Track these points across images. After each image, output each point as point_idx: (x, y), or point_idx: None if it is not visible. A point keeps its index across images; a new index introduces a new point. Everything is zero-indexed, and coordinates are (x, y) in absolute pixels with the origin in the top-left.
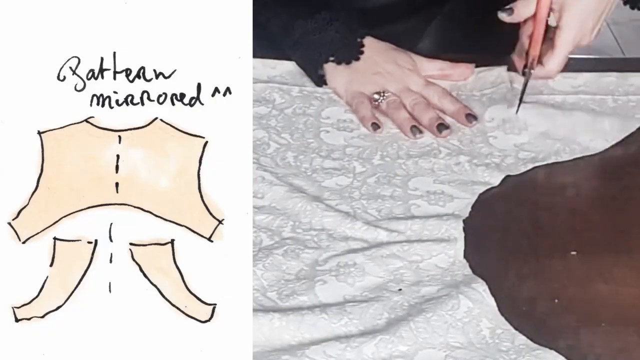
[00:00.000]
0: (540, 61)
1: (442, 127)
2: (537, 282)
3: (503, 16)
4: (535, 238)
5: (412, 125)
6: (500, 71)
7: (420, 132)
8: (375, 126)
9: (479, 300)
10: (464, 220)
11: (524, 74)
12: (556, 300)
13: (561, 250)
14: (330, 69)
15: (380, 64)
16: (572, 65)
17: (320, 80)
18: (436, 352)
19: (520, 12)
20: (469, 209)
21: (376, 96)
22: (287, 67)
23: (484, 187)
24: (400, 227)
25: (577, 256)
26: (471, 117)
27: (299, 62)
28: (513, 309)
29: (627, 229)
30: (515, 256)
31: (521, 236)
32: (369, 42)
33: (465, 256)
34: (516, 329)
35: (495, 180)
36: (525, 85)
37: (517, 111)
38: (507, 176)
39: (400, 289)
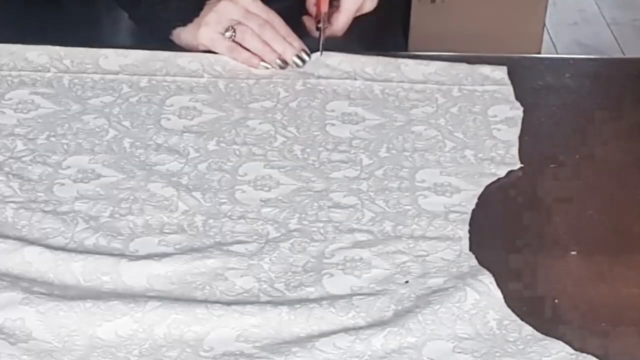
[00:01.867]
0: (328, 20)
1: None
2: (537, 281)
3: None
4: (535, 237)
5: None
6: (501, 72)
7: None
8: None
9: (486, 292)
10: (470, 222)
11: (317, 29)
12: (556, 300)
13: (561, 250)
14: (176, 35)
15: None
16: (571, 66)
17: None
18: (444, 343)
19: None
20: (475, 200)
21: (228, 33)
22: None
23: (489, 179)
24: (407, 222)
25: (577, 256)
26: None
27: (147, 33)
28: (515, 307)
29: (627, 229)
30: (515, 256)
31: (521, 236)
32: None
33: (470, 249)
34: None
35: (502, 172)
36: (321, 39)
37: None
38: (511, 171)
39: (407, 281)
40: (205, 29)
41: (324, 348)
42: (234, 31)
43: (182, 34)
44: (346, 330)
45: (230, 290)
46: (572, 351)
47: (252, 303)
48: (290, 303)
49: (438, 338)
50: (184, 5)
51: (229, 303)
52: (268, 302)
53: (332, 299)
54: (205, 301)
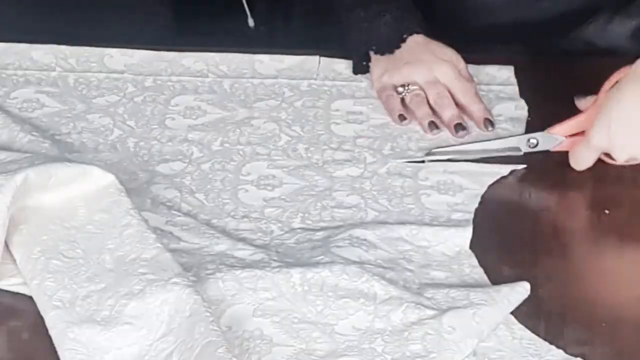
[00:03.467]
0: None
1: (459, 127)
2: (537, 281)
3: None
4: (535, 237)
5: (430, 121)
6: (508, 72)
7: (437, 127)
8: (402, 117)
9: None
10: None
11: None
12: (556, 301)
13: (562, 250)
14: (373, 59)
15: (415, 54)
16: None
17: (359, 68)
18: (464, 310)
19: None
20: (478, 200)
21: (400, 89)
22: (294, 61)
23: (492, 178)
24: (410, 219)
25: (578, 256)
26: (489, 122)
27: (346, 46)
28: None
29: (627, 229)
30: (515, 256)
31: (521, 235)
32: (416, 37)
33: (470, 247)
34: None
35: (505, 171)
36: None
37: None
38: (514, 170)
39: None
40: (388, 70)
41: (344, 332)
42: (407, 91)
43: (374, 61)
44: (362, 294)
45: (240, 262)
46: (567, 355)
47: (263, 278)
48: (303, 273)
49: (456, 307)
50: (385, 33)
51: (240, 280)
52: (279, 271)
53: (344, 264)
54: (217, 279)
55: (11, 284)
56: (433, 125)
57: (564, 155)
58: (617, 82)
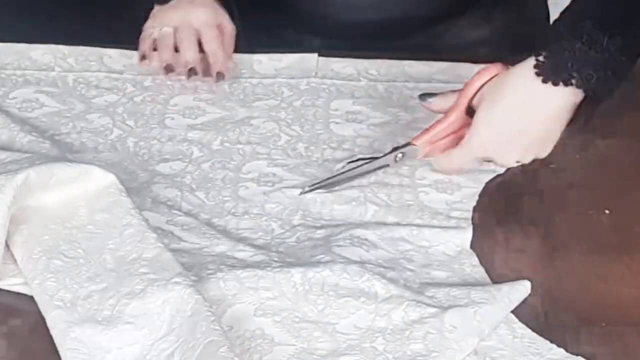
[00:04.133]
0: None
1: (191, 71)
2: (537, 281)
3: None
4: (535, 237)
5: (167, 64)
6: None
7: (173, 71)
8: (142, 58)
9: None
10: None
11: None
12: (556, 301)
13: (561, 249)
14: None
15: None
16: None
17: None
18: (465, 309)
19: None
20: (476, 198)
21: (151, 30)
22: (293, 59)
23: (488, 176)
24: (410, 217)
25: (577, 256)
26: (220, 75)
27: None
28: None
29: (627, 229)
30: (515, 255)
31: (521, 235)
32: None
33: (471, 246)
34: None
35: (501, 169)
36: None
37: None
38: (510, 169)
39: None
40: (151, 21)
41: (345, 331)
42: (159, 30)
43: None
44: (363, 293)
45: (241, 262)
46: (567, 354)
47: (264, 277)
48: (303, 272)
49: (457, 305)
50: None
51: (241, 279)
52: (280, 271)
53: (345, 263)
54: (218, 279)
55: (12, 283)
56: (169, 69)
57: (560, 155)
58: (481, 87)
